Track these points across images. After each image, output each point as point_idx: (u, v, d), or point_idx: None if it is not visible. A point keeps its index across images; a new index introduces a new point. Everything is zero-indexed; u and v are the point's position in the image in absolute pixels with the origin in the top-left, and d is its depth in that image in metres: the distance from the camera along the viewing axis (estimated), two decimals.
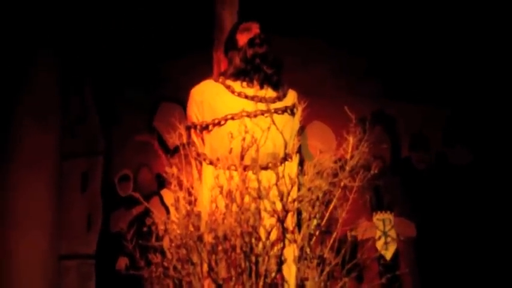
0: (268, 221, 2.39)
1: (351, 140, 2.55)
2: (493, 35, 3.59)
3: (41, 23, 3.34)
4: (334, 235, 2.50)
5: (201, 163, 2.78)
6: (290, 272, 2.47)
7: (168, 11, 3.63)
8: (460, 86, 3.65)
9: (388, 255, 3.54)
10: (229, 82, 2.82)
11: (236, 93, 2.79)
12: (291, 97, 2.89)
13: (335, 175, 2.53)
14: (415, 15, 3.66)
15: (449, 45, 3.65)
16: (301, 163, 2.87)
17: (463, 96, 3.64)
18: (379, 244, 3.55)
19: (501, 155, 3.54)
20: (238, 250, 2.34)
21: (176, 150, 3.18)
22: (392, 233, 3.56)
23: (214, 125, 2.77)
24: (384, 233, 3.55)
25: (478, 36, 3.61)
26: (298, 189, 2.53)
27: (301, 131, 3.08)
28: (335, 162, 2.59)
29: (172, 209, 2.54)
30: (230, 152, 2.55)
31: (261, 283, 2.33)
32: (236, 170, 2.47)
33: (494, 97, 3.60)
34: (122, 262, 3.74)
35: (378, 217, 3.60)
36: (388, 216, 3.60)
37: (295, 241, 2.44)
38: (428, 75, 3.68)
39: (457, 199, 3.59)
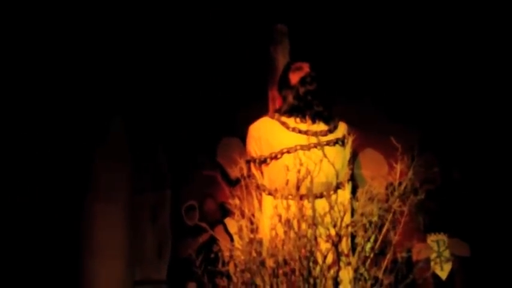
0: (324, 245, 2.56)
1: (398, 167, 2.71)
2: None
3: (110, 95, 3.74)
4: (387, 257, 2.66)
5: (261, 194, 3.00)
6: None
7: (228, 51, 3.86)
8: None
9: (444, 275, 3.63)
10: (284, 118, 3.05)
11: (291, 129, 3.02)
12: (342, 129, 3.09)
13: (386, 200, 2.71)
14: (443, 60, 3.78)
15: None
16: (354, 190, 3.05)
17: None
18: (434, 264, 3.64)
19: None
20: (297, 273, 2.52)
21: (238, 182, 3.41)
22: (447, 254, 3.64)
23: (271, 158, 3.00)
24: (438, 254, 3.64)
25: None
26: (352, 215, 2.72)
27: (354, 159, 3.27)
28: (386, 188, 2.76)
29: (236, 237, 2.74)
30: (287, 183, 2.72)
31: None
32: (293, 199, 2.64)
33: None
34: (191, 287, 3.91)
35: (432, 238, 3.66)
36: (442, 237, 3.66)
37: (349, 263, 2.61)
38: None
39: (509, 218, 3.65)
